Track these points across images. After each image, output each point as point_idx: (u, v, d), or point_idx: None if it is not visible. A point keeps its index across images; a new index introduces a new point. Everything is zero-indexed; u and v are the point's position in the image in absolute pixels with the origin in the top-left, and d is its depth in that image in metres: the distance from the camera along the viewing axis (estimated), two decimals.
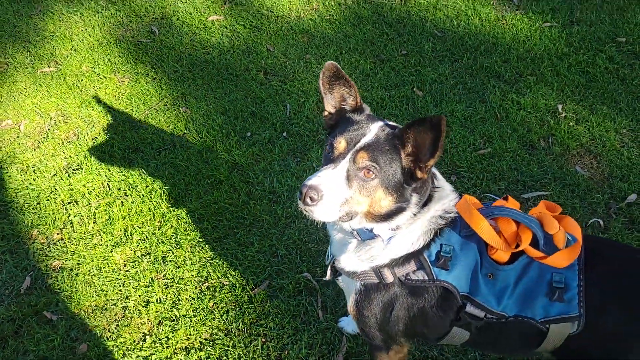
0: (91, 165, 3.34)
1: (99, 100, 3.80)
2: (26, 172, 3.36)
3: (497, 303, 1.64)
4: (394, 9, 4.43)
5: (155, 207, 3.06)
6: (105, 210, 3.07)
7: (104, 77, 4.01)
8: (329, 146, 1.66)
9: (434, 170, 1.76)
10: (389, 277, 1.71)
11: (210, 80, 3.90)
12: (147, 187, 3.17)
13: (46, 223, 3.05)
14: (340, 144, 1.63)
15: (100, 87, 3.92)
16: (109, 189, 3.19)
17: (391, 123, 1.71)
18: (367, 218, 1.67)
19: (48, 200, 3.18)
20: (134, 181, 3.21)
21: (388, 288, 1.75)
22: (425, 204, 1.71)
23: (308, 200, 1.51)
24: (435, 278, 1.66)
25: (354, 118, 1.71)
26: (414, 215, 1.68)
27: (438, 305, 1.72)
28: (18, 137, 3.61)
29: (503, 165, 3.07)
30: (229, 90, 3.80)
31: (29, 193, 3.23)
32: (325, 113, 1.81)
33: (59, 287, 2.75)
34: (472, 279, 1.66)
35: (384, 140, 1.62)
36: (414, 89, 3.65)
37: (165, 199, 3.10)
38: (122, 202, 3.09)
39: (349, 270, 1.77)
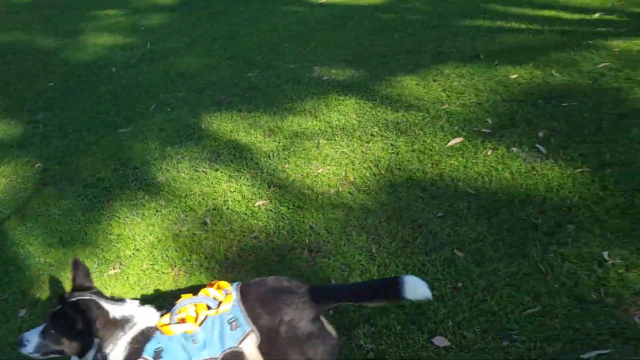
0: None
1: (157, 296, 4.05)
2: None
3: (205, 350, 2.45)
4: (426, 172, 4.66)
5: None
6: None
7: (162, 272, 4.31)
8: None
9: (115, 312, 2.62)
10: None
11: (258, 264, 4.11)
12: None
13: None
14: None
15: (158, 283, 4.20)
16: None
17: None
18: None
19: None
20: None
21: None
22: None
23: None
24: None
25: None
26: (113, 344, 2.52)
27: None
28: None
29: (555, 324, 2.96)
30: (276, 272, 3.96)
31: None
32: None
33: None
34: (185, 351, 2.44)
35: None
36: (454, 251, 3.70)
37: None
38: None
39: None
